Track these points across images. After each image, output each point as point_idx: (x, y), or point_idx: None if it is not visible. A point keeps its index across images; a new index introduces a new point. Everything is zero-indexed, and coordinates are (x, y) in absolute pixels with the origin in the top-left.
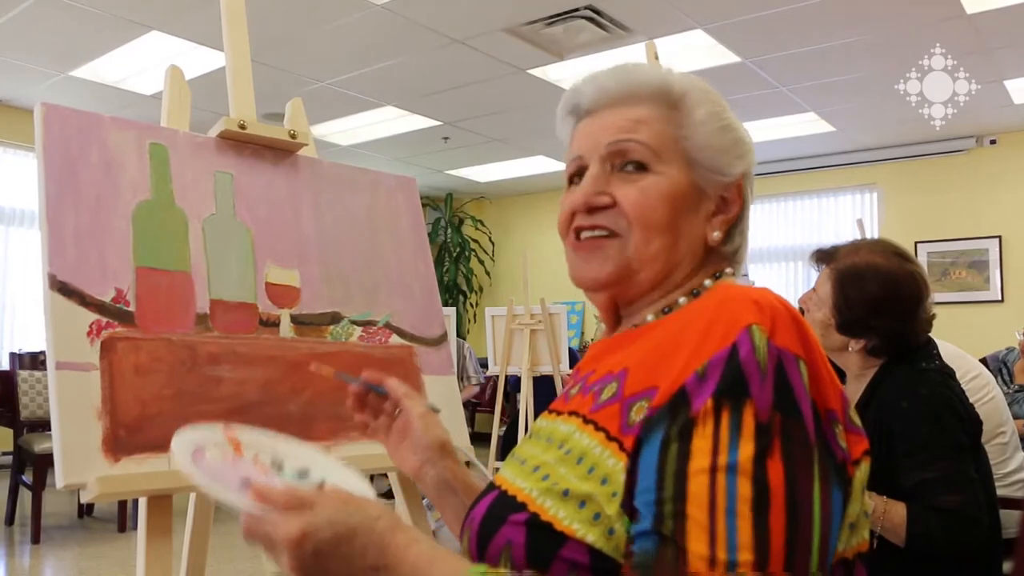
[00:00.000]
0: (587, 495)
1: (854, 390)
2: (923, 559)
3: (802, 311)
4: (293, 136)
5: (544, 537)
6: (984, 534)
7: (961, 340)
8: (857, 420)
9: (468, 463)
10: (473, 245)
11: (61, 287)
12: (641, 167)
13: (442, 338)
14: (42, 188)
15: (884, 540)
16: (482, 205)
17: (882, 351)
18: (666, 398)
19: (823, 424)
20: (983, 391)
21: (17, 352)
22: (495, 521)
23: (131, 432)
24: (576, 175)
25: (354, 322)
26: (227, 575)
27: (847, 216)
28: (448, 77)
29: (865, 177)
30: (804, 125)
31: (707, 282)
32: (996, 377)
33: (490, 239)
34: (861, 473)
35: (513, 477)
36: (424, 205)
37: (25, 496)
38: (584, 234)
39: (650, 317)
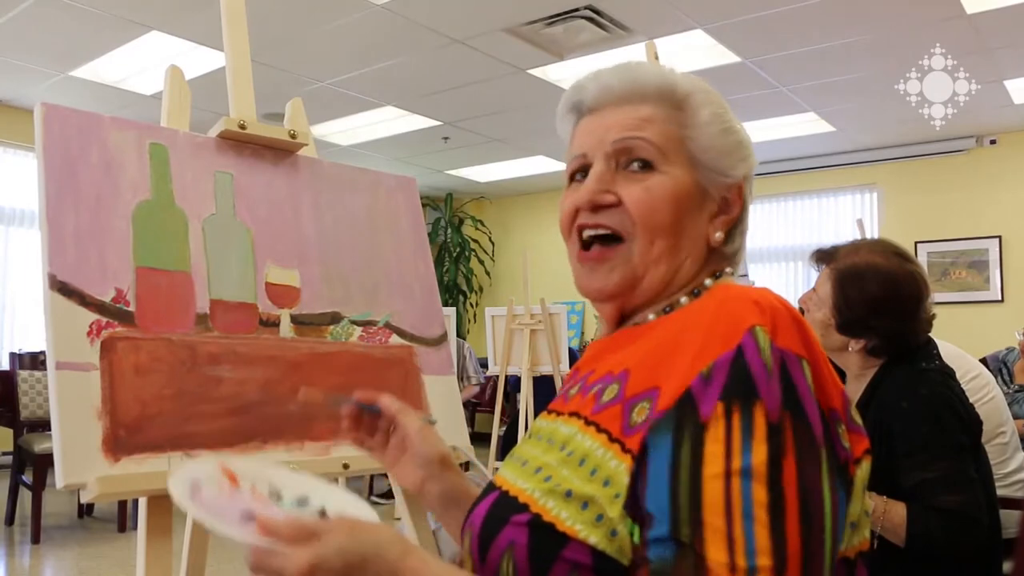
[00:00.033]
0: (590, 497)
1: (854, 390)
2: (923, 559)
3: (802, 311)
4: (293, 136)
5: (546, 538)
6: (984, 534)
7: (961, 340)
8: (858, 419)
9: (468, 463)
10: (473, 245)
11: (61, 287)
12: (647, 165)
13: (442, 338)
14: (42, 188)
15: (884, 540)
16: (482, 205)
17: (882, 351)
18: (671, 401)
19: (828, 424)
20: (983, 391)
21: (17, 352)
22: (497, 522)
23: (131, 432)
24: (578, 173)
25: (354, 322)
26: (227, 575)
27: (847, 216)
28: (448, 77)
29: (865, 177)
30: (804, 125)
31: (707, 281)
32: (996, 377)
33: (490, 239)
34: (862, 472)
35: (514, 478)
36: (424, 205)
37: (25, 496)
38: (587, 232)
39: (651, 316)
